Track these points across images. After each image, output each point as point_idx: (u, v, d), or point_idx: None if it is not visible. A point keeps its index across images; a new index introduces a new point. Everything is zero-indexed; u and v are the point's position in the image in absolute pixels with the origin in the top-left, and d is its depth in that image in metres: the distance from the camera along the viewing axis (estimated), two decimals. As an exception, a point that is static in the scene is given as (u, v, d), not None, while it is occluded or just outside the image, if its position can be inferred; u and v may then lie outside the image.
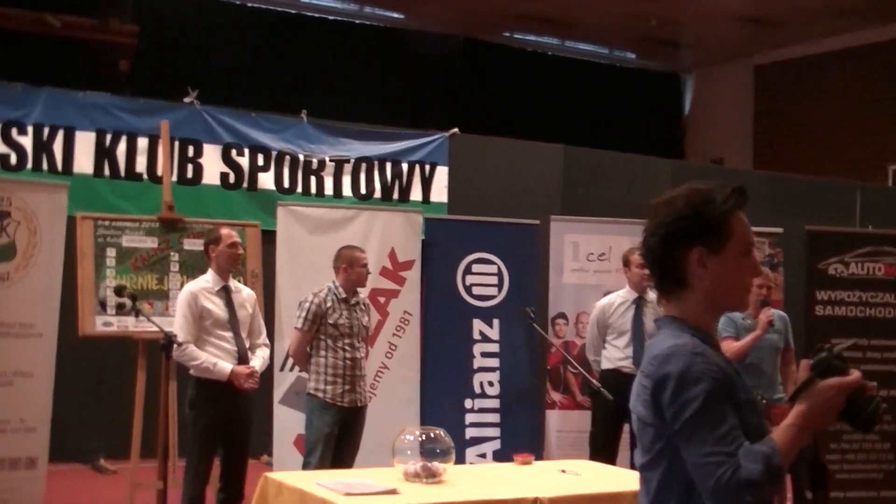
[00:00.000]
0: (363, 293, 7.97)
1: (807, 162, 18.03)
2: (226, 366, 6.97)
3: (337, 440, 7.46)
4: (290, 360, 8.25)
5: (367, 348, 7.94)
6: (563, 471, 6.22)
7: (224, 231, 7.34)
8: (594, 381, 8.17)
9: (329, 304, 7.49)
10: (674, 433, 2.59)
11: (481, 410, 9.35)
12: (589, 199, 12.63)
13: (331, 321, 7.46)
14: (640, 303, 8.47)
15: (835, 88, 18.01)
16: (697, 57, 19.94)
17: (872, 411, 2.58)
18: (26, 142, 10.42)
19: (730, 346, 7.58)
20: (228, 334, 7.12)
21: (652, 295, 8.53)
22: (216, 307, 7.12)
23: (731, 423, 2.55)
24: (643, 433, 2.72)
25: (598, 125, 18.42)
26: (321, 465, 7.22)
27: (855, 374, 2.58)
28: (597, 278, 9.79)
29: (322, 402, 7.44)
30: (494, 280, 9.46)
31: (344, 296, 7.55)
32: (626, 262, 8.56)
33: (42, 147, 10.49)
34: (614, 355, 8.45)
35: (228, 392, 6.98)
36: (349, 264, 7.58)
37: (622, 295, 8.58)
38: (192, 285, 7.22)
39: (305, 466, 7.36)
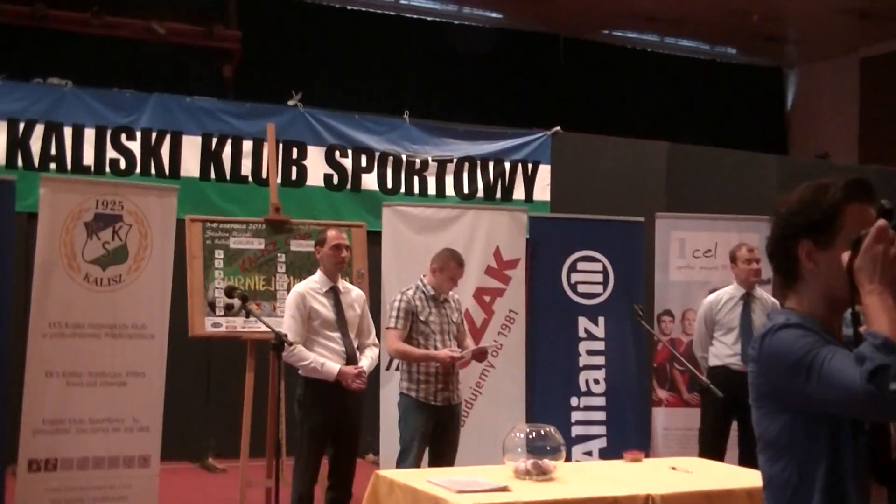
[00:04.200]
0: (460, 291, 7.93)
1: (914, 155, 17.68)
2: (333, 366, 6.98)
3: (434, 439, 7.42)
4: (396, 360, 8.25)
5: (464, 343, 7.75)
6: (674, 468, 6.17)
7: (331, 233, 7.35)
8: (703, 378, 8.05)
9: (417, 302, 7.45)
10: (804, 394, 2.54)
11: (587, 408, 9.31)
12: (694, 195, 12.54)
13: (422, 318, 7.41)
14: (747, 299, 8.37)
15: (943, 80, 17.65)
16: (801, 51, 19.64)
17: None
18: (135, 146, 10.64)
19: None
20: (336, 335, 7.13)
21: (760, 291, 8.44)
22: (324, 308, 7.14)
23: (843, 352, 2.50)
24: (760, 418, 2.72)
25: (701, 122, 18.31)
26: (416, 464, 7.23)
27: (878, 222, 2.54)
28: (703, 275, 9.71)
29: (415, 401, 7.39)
30: (600, 278, 9.40)
31: (433, 293, 7.49)
32: (734, 259, 8.47)
33: (150, 151, 10.70)
34: (722, 352, 8.36)
35: (337, 391, 7.00)
36: (440, 268, 7.48)
37: (729, 291, 8.48)
38: (301, 286, 7.26)
39: (399, 465, 7.29)
